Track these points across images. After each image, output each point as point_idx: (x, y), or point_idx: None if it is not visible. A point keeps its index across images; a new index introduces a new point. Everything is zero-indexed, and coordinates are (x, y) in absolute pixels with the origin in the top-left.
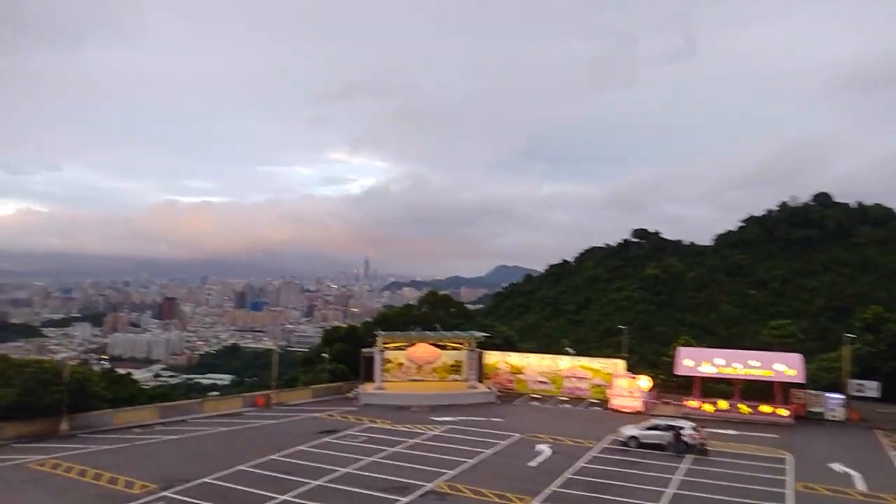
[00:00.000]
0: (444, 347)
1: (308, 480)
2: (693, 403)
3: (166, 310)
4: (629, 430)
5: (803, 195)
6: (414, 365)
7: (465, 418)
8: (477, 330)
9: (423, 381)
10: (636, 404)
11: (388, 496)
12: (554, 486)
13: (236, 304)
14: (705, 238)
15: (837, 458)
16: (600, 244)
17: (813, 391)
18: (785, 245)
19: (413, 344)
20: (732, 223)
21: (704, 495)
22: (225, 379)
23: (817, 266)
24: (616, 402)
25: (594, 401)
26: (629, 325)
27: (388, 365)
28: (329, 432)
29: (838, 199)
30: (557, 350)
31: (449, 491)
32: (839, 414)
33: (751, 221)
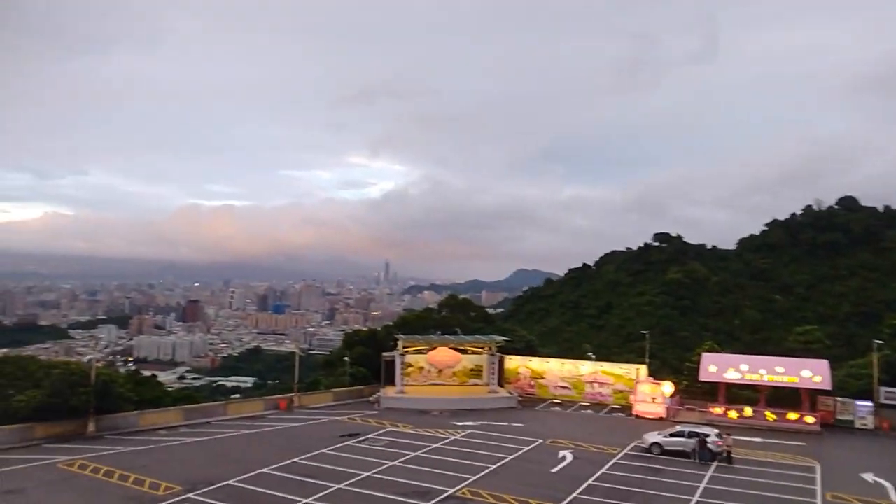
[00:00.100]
0: (464, 351)
1: (330, 484)
2: (717, 410)
3: (190, 312)
4: (652, 437)
5: (828, 199)
6: (434, 369)
7: (485, 423)
8: (497, 334)
9: (443, 385)
10: (659, 410)
11: (409, 501)
12: (576, 493)
13: (258, 307)
14: (728, 242)
15: (868, 468)
16: (621, 248)
17: (841, 398)
18: (810, 249)
19: (433, 348)
20: (756, 227)
21: None
22: (248, 381)
23: (843, 271)
24: (639, 408)
25: (616, 407)
26: (651, 330)
27: (409, 369)
28: (351, 436)
29: (865, 202)
30: (579, 355)
31: (470, 496)
32: (869, 422)
33: (774, 225)
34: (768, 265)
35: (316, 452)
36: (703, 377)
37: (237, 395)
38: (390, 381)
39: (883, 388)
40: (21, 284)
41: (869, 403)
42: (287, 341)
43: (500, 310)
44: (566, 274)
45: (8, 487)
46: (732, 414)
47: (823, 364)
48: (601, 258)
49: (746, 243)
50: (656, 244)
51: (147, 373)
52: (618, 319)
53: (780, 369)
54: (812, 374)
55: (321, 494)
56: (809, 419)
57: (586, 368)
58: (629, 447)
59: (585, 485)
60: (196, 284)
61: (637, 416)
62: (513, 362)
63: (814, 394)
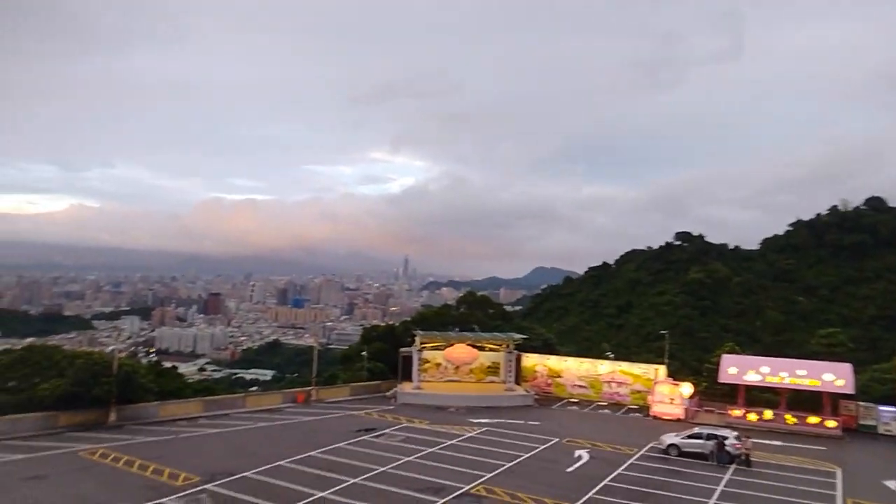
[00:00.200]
0: (481, 349)
1: (346, 478)
2: (737, 412)
3: (211, 305)
4: (670, 438)
5: (855, 199)
6: (451, 365)
7: (502, 421)
8: (515, 332)
9: (460, 381)
10: (677, 412)
11: (424, 496)
12: (592, 493)
13: (278, 300)
14: (751, 242)
15: (892, 475)
16: (642, 247)
17: (864, 403)
18: (835, 251)
19: (451, 344)
20: (780, 227)
21: None
22: (266, 374)
23: (869, 273)
24: (657, 408)
25: (634, 407)
26: (671, 331)
27: (426, 365)
28: (367, 431)
29: (893, 203)
30: (597, 354)
31: (485, 493)
32: (893, 428)
33: (799, 226)
34: (792, 266)
35: (333, 446)
36: (722, 379)
37: (256, 388)
38: (407, 377)
39: None
40: (47, 275)
41: (893, 408)
42: (306, 335)
43: (518, 307)
44: (586, 272)
45: (32, 474)
46: (752, 416)
47: (847, 368)
48: (621, 257)
49: (770, 244)
50: (678, 243)
51: (168, 364)
52: (637, 319)
53: (801, 372)
54: (835, 377)
55: (337, 488)
56: (831, 423)
57: (604, 368)
58: (646, 448)
59: (601, 485)
60: (218, 277)
61: (654, 417)
62: (530, 360)
63: (836, 398)
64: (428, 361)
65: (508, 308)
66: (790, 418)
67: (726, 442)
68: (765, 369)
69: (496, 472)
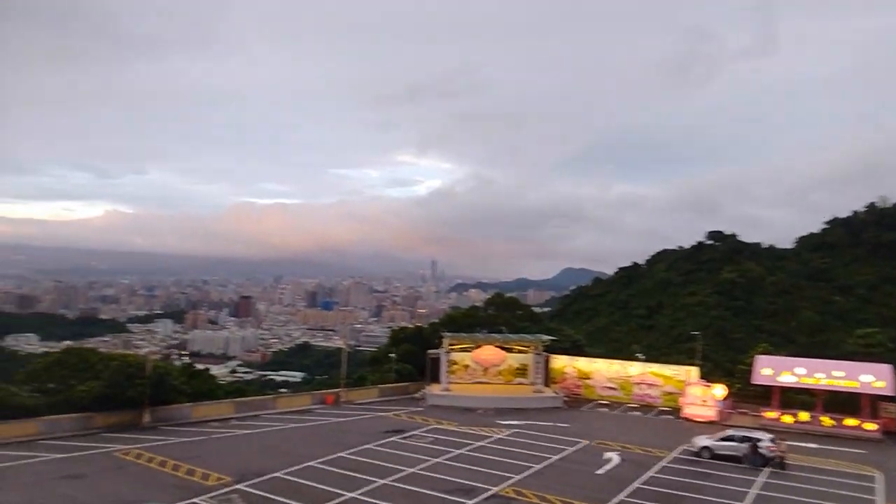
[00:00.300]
0: (510, 350)
1: (375, 479)
2: (771, 414)
3: (242, 308)
4: (702, 441)
5: (894, 196)
6: (480, 367)
7: (531, 423)
8: (544, 333)
9: (488, 383)
10: (710, 413)
11: (453, 498)
12: (622, 496)
13: (308, 303)
14: (786, 241)
15: None
16: (672, 247)
17: None
18: (873, 249)
19: (479, 346)
20: (815, 225)
21: None
22: (296, 376)
23: None
24: (688, 410)
25: (665, 409)
26: (703, 332)
27: (454, 367)
28: (396, 432)
29: None
30: (627, 355)
31: (514, 496)
32: None
33: (835, 224)
34: (828, 265)
35: (361, 447)
36: (756, 380)
37: (286, 390)
38: (435, 379)
39: None
40: (84, 280)
41: None
42: (335, 337)
43: (546, 309)
44: (616, 273)
45: (70, 473)
46: (787, 418)
47: (886, 368)
48: (652, 257)
49: (805, 242)
50: (710, 243)
51: (200, 366)
52: (668, 320)
53: (838, 373)
54: (874, 378)
55: (366, 489)
56: (870, 426)
57: (635, 369)
58: (678, 450)
59: (632, 488)
60: (248, 280)
61: (686, 419)
62: (559, 362)
63: (875, 399)
64: (456, 363)
65: (537, 309)
66: (827, 420)
67: (760, 444)
68: (800, 370)
69: (525, 473)
